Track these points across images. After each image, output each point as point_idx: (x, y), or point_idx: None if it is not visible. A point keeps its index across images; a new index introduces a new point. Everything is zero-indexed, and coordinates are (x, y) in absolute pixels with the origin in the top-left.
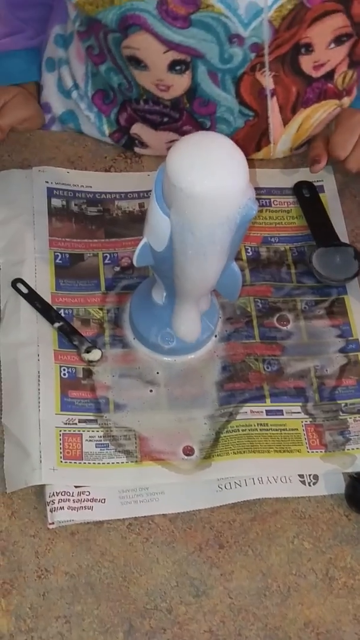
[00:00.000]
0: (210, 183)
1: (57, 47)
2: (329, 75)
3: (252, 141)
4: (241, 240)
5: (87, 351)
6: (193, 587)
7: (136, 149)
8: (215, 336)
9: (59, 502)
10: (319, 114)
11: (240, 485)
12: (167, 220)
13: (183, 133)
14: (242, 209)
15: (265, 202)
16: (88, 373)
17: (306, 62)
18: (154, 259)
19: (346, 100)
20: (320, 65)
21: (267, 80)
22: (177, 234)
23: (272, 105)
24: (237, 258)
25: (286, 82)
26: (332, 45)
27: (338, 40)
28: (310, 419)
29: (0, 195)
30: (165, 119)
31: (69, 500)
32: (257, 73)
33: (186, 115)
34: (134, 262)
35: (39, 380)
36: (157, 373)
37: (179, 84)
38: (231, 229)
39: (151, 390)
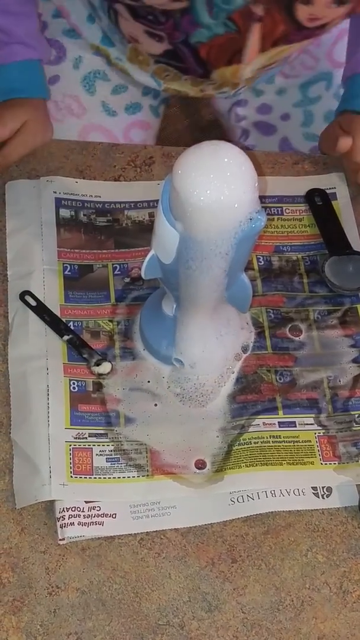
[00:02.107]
0: (217, 195)
1: None
2: (322, 26)
3: (225, 53)
4: (250, 252)
5: (97, 364)
6: (205, 602)
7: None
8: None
9: (69, 517)
10: (297, 46)
11: (253, 499)
12: (174, 232)
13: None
14: (250, 220)
15: (277, 210)
16: (98, 386)
17: (302, 12)
18: (162, 271)
19: None
20: (316, 19)
21: (258, 10)
22: (185, 246)
23: (254, 29)
24: (249, 268)
25: (276, 18)
26: (334, 5)
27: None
28: (324, 431)
29: (8, 206)
30: (150, 17)
31: (79, 515)
32: (251, 4)
33: (171, 22)
34: (142, 275)
35: (48, 394)
36: (168, 386)
37: (175, 6)
38: (240, 241)
39: (156, 404)
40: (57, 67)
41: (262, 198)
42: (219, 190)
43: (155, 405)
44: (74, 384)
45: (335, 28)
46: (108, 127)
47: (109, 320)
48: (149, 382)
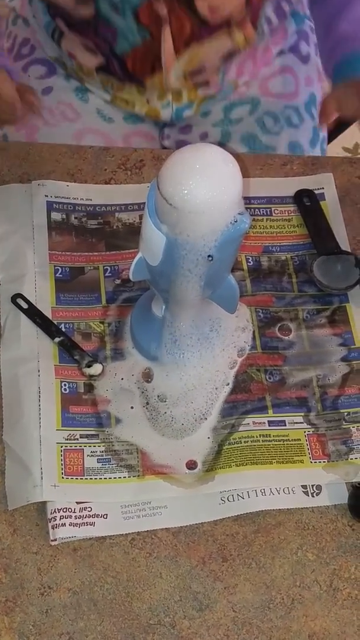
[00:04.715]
0: (201, 198)
1: None
2: (227, 24)
3: (147, 62)
4: (236, 253)
5: (88, 365)
6: (197, 601)
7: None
8: None
9: (60, 518)
10: (212, 47)
11: (243, 498)
12: (160, 235)
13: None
14: (235, 223)
15: (266, 211)
16: (89, 388)
17: (201, 5)
18: (150, 273)
19: (239, 37)
20: (215, 10)
21: (161, 8)
22: (171, 248)
23: (166, 32)
24: (238, 268)
25: (181, 16)
26: None
27: None
28: (313, 429)
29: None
30: (78, 25)
31: (70, 516)
32: (154, 2)
33: (92, 29)
34: (130, 277)
35: (39, 396)
36: (159, 387)
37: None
38: (224, 243)
39: (132, 407)
40: (49, 80)
41: (251, 199)
42: (202, 192)
43: (132, 408)
44: (65, 385)
45: (277, 61)
46: (105, 131)
47: (100, 322)
48: (122, 379)
